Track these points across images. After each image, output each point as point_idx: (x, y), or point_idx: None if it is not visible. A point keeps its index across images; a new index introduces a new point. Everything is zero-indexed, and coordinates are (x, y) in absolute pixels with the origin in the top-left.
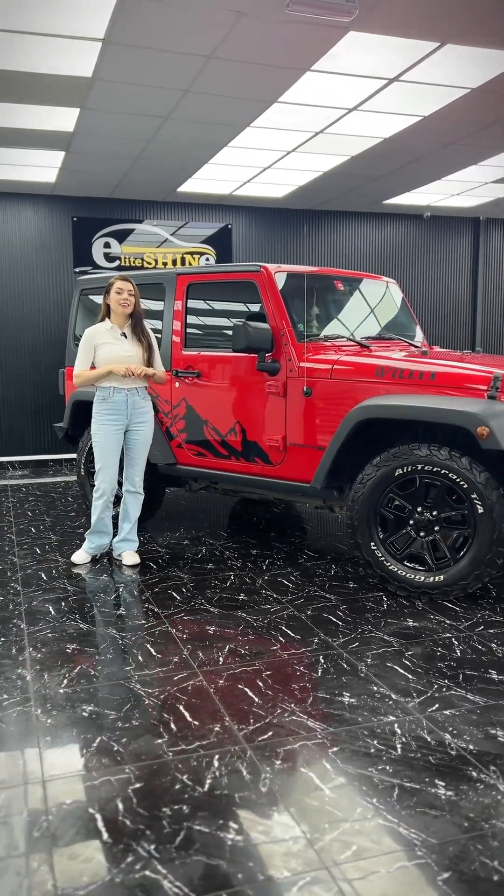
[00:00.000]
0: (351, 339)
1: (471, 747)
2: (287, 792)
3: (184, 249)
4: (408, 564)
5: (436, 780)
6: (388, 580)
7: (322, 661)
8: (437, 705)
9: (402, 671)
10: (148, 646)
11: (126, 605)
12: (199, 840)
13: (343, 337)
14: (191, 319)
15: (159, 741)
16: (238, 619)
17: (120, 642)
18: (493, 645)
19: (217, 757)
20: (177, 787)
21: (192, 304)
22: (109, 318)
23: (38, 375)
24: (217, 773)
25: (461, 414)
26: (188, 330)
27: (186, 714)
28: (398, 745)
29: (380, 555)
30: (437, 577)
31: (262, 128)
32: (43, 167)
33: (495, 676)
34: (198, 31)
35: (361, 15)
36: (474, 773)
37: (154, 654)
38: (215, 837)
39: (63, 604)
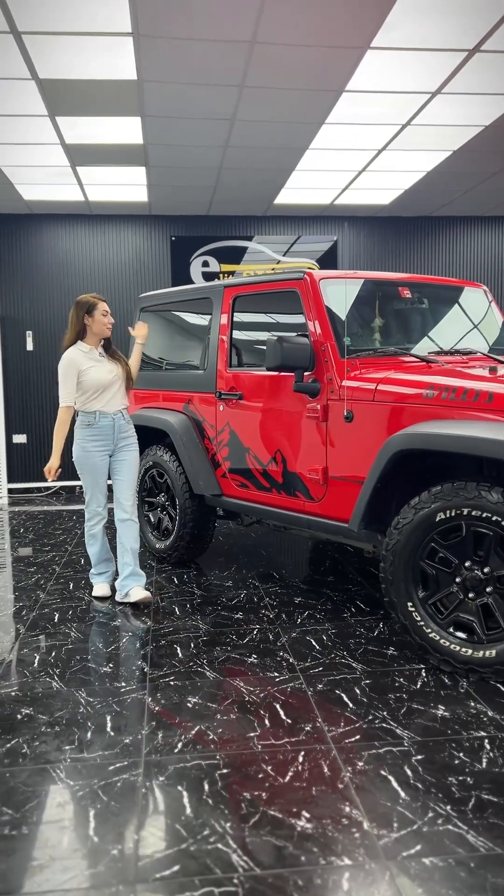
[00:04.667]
0: (412, 354)
1: None
2: None
3: (284, 265)
4: (453, 633)
5: None
6: (427, 650)
7: (301, 760)
8: (417, 848)
9: (396, 786)
10: (108, 718)
11: (118, 661)
12: None
13: (405, 352)
14: (236, 335)
15: None
16: (231, 689)
17: (81, 711)
18: None
19: None
20: None
21: (237, 318)
22: (83, 339)
23: None
24: None
25: (500, 444)
26: (233, 347)
27: (89, 831)
28: None
29: (418, 618)
30: (488, 652)
31: (341, 124)
32: (131, 185)
33: None
34: (225, 13)
35: None
36: None
37: (108, 731)
38: None
39: (53, 654)
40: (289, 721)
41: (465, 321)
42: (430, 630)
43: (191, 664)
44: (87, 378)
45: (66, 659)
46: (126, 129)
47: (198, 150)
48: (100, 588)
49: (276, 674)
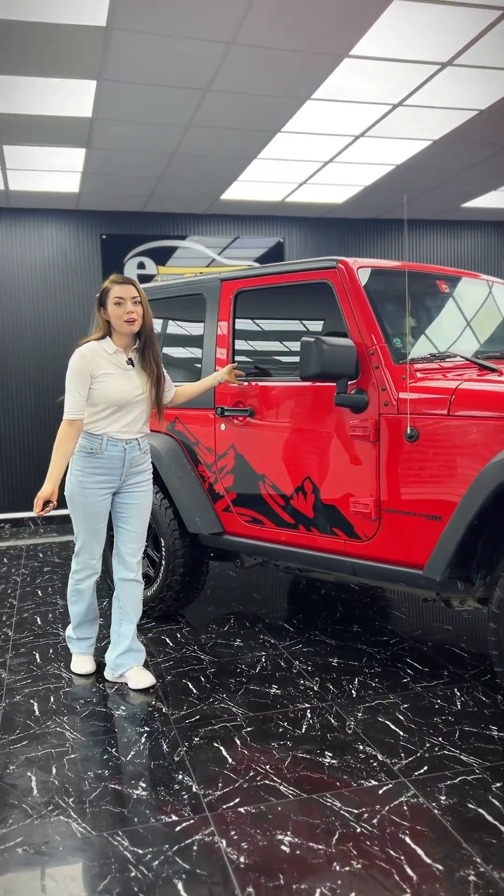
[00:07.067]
0: (467, 359)
1: None
2: None
3: (229, 268)
4: None
5: None
6: None
7: None
8: None
9: None
10: (181, 887)
11: (150, 778)
12: None
13: (455, 356)
14: (241, 340)
15: None
16: (329, 815)
17: (132, 875)
18: None
19: None
20: None
21: (241, 319)
22: (111, 337)
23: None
24: None
25: None
26: (237, 354)
27: None
28: None
29: None
30: None
31: (328, 100)
32: (64, 172)
33: None
34: None
35: None
36: None
37: None
38: None
39: (54, 770)
40: (438, 867)
41: (475, 317)
42: None
43: (251, 774)
44: (100, 388)
45: (76, 779)
46: (76, 97)
47: (155, 129)
48: (82, 663)
49: (372, 781)
